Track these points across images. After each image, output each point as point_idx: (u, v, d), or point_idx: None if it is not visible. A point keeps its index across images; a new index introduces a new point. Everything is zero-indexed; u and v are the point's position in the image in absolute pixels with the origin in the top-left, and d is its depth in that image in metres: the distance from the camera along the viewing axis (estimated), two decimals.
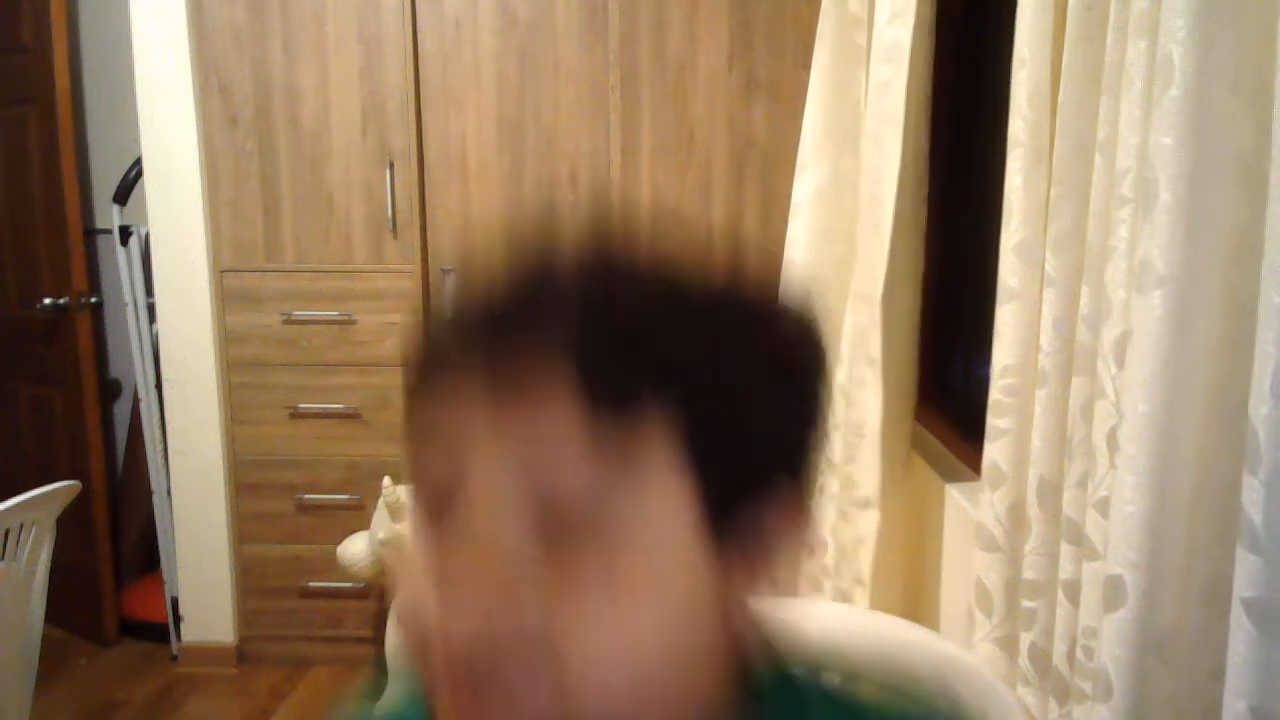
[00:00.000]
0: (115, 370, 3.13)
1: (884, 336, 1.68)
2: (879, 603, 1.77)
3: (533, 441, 0.40)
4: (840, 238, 1.92)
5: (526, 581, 0.40)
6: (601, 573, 0.40)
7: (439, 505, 0.42)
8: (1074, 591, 1.00)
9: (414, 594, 0.42)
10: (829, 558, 1.94)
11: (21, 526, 1.51)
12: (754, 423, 0.43)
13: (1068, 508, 1.02)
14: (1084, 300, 0.99)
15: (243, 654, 2.68)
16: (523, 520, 0.40)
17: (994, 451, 1.20)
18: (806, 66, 2.38)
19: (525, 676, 0.40)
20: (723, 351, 0.43)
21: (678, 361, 0.41)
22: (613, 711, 0.40)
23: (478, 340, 0.42)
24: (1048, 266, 1.08)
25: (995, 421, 1.20)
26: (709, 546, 0.42)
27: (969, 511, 1.61)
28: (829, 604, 1.85)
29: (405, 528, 1.77)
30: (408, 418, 0.45)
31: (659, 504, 0.40)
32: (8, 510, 1.47)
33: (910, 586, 1.85)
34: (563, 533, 0.40)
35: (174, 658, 2.70)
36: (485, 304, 0.43)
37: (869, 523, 1.74)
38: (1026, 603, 1.12)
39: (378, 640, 2.59)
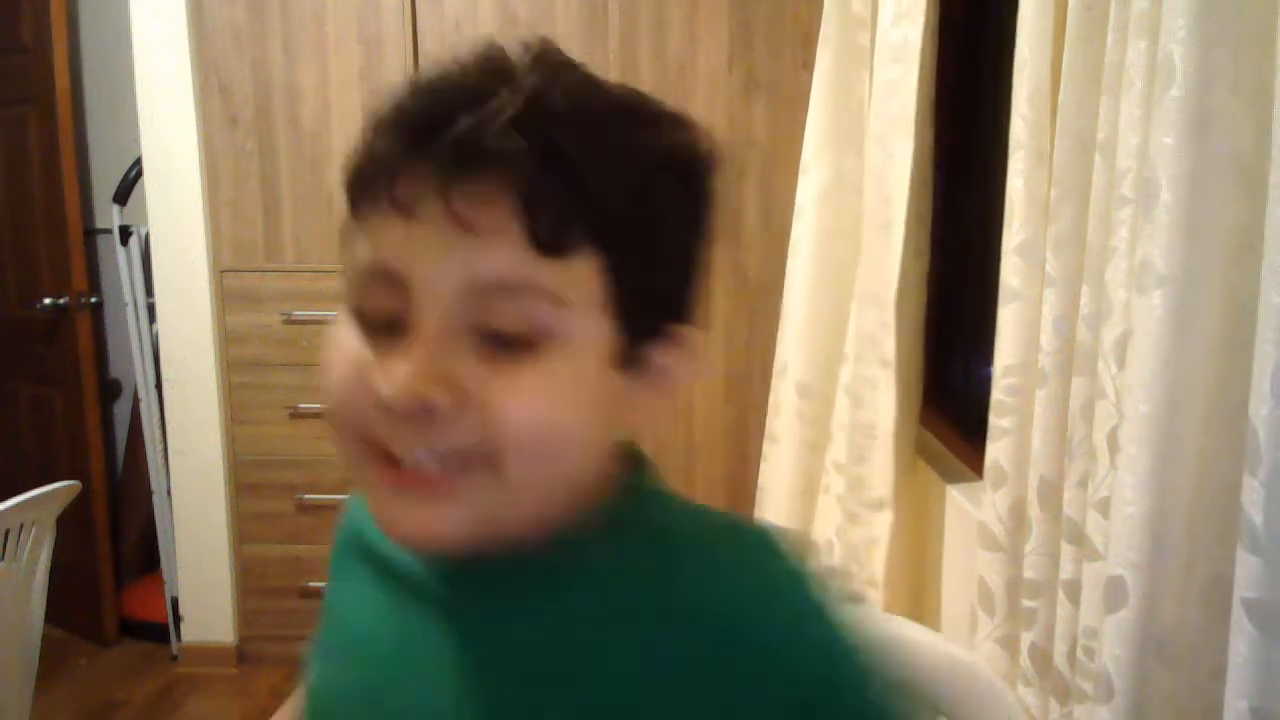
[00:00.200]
0: (115, 370, 3.13)
1: (898, 338, 1.68)
2: (892, 604, 1.77)
3: (480, 276, 0.44)
4: (845, 239, 1.92)
5: (463, 359, 0.45)
6: (528, 368, 0.45)
7: (381, 325, 0.46)
8: (1074, 592, 1.00)
9: (351, 362, 0.46)
10: (834, 559, 1.94)
11: (21, 526, 1.51)
12: (666, 280, 0.50)
13: (1068, 508, 1.02)
14: (1084, 300, 0.99)
15: (243, 654, 2.67)
16: (464, 336, 0.45)
17: (996, 451, 1.20)
18: (806, 66, 2.38)
19: (454, 415, 0.44)
20: (653, 214, 0.47)
21: (614, 218, 0.46)
22: (523, 455, 0.45)
23: (431, 172, 0.44)
24: (1048, 267, 1.08)
25: (997, 421, 1.20)
26: (616, 370, 0.48)
27: (970, 512, 1.61)
28: None
29: None
30: (350, 234, 0.48)
31: (583, 333, 0.46)
32: (8, 510, 1.47)
33: (913, 587, 1.84)
34: (498, 344, 0.45)
35: (174, 658, 2.70)
36: (436, 133, 0.44)
37: (882, 524, 1.73)
38: (1027, 602, 1.12)
39: None
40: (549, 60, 0.48)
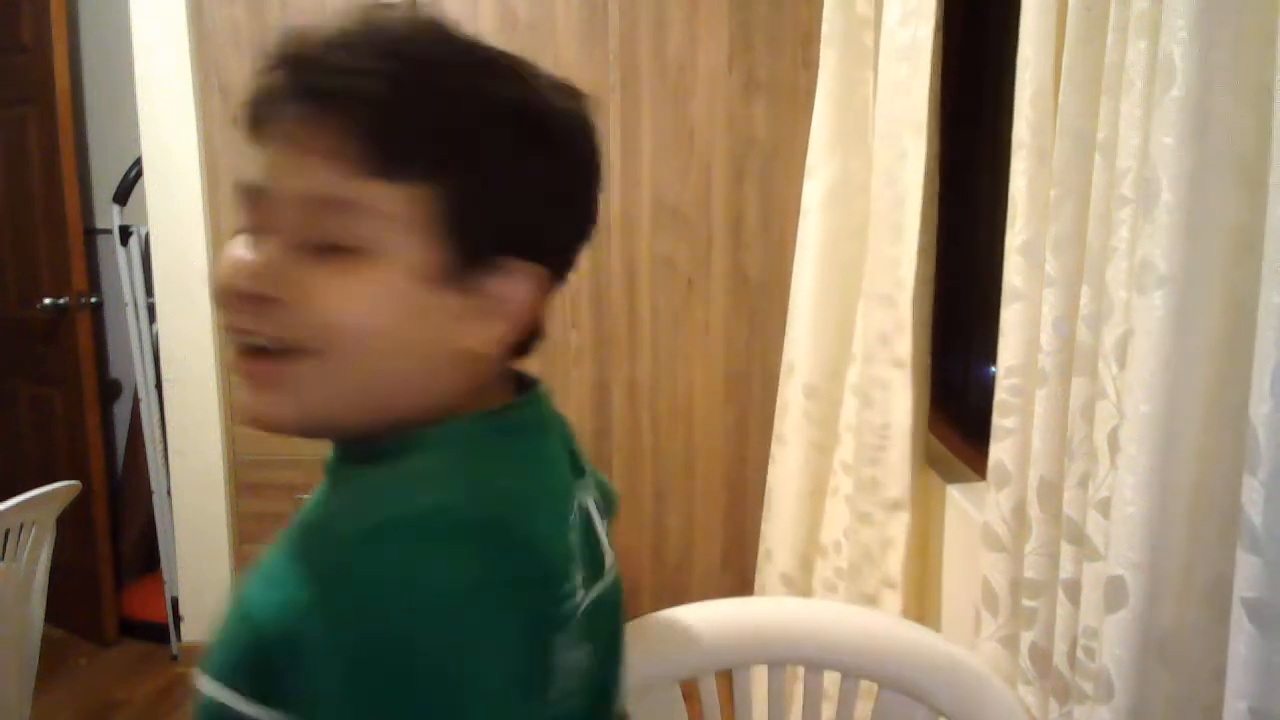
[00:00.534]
0: (115, 370, 3.14)
1: (914, 338, 1.68)
2: (911, 604, 1.77)
3: (315, 191, 0.53)
4: (852, 239, 1.92)
5: (297, 261, 0.53)
6: (349, 274, 0.53)
7: (250, 213, 0.56)
8: (1074, 592, 1.00)
9: (227, 256, 0.56)
10: (843, 560, 1.94)
11: (21, 526, 1.51)
12: (499, 217, 0.56)
13: (1068, 508, 1.02)
14: (1084, 300, 0.99)
15: None
16: (299, 237, 0.54)
17: (999, 451, 1.20)
18: (807, 66, 2.38)
19: (281, 306, 0.53)
20: (489, 158, 0.55)
21: (446, 156, 0.53)
22: (341, 350, 0.53)
23: (298, 95, 0.53)
24: (1048, 267, 1.07)
25: (1000, 421, 1.20)
26: (441, 289, 0.55)
27: (970, 512, 1.61)
28: (833, 604, 1.85)
29: None
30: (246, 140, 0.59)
31: (404, 249, 0.54)
32: (8, 510, 1.47)
33: (918, 587, 1.84)
34: (329, 252, 0.53)
35: (174, 658, 2.70)
36: (300, 72, 0.54)
37: (899, 525, 1.73)
38: (1027, 602, 1.12)
39: None
40: (420, 19, 0.57)
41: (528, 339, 0.63)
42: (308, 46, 0.54)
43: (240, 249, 0.56)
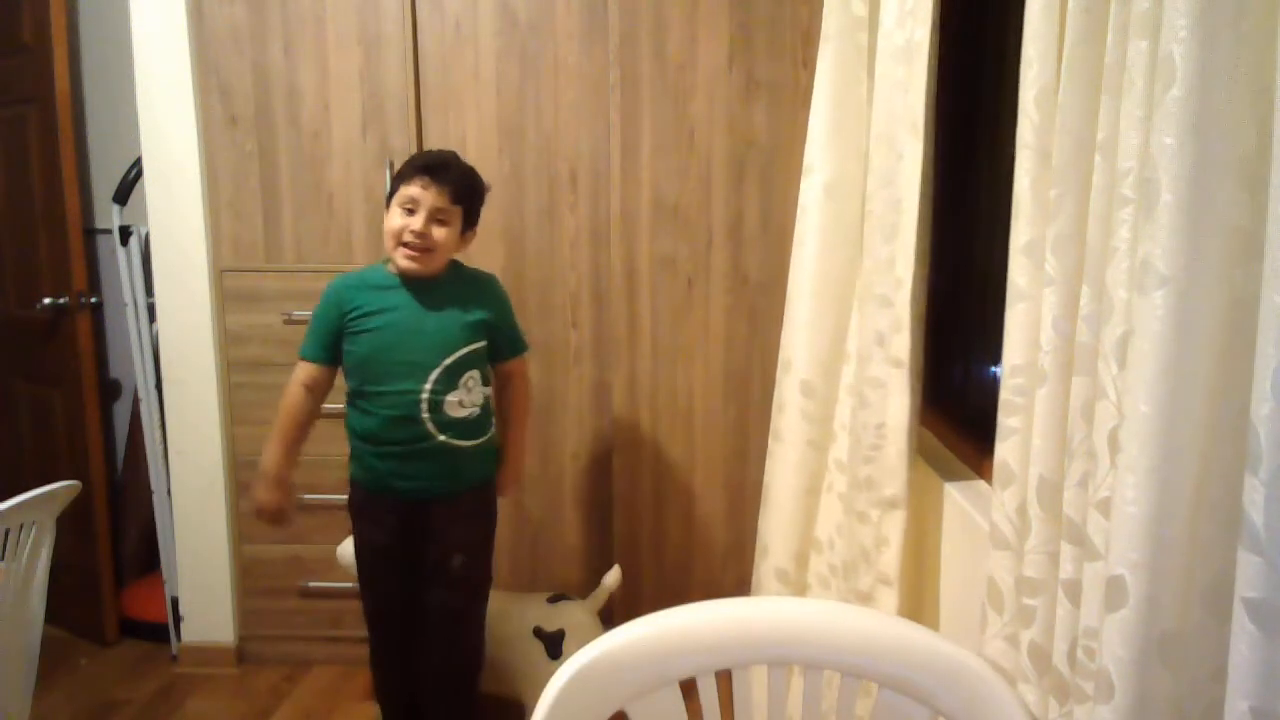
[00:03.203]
0: (115, 370, 3.14)
1: (911, 337, 1.68)
2: (908, 601, 1.77)
3: (439, 204, 1.87)
4: (848, 238, 1.92)
5: (430, 223, 1.89)
6: (446, 228, 1.90)
7: (408, 212, 1.88)
8: (1074, 591, 1.00)
9: (400, 220, 2.01)
10: (836, 557, 1.94)
11: (21, 526, 1.51)
12: (473, 218, 1.96)
13: (1068, 508, 1.02)
14: (1085, 300, 0.99)
15: (243, 654, 2.68)
16: (431, 218, 1.88)
17: (1004, 451, 1.20)
18: (806, 66, 2.38)
19: (427, 235, 1.95)
20: (477, 198, 1.96)
21: (469, 200, 1.93)
22: (441, 250, 1.98)
23: (432, 176, 1.88)
24: (1048, 266, 1.07)
25: (1006, 420, 1.20)
26: (460, 236, 1.96)
27: (968, 510, 1.61)
28: (833, 604, 1.85)
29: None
30: (398, 186, 1.90)
31: (456, 222, 1.92)
32: (8, 510, 1.47)
33: (914, 585, 1.84)
34: (438, 223, 1.89)
35: (174, 658, 2.70)
36: (438, 167, 1.91)
37: (894, 523, 1.73)
38: (1027, 600, 1.12)
39: None
40: (456, 157, 1.94)
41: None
42: (435, 157, 1.90)
43: (402, 216, 1.86)
